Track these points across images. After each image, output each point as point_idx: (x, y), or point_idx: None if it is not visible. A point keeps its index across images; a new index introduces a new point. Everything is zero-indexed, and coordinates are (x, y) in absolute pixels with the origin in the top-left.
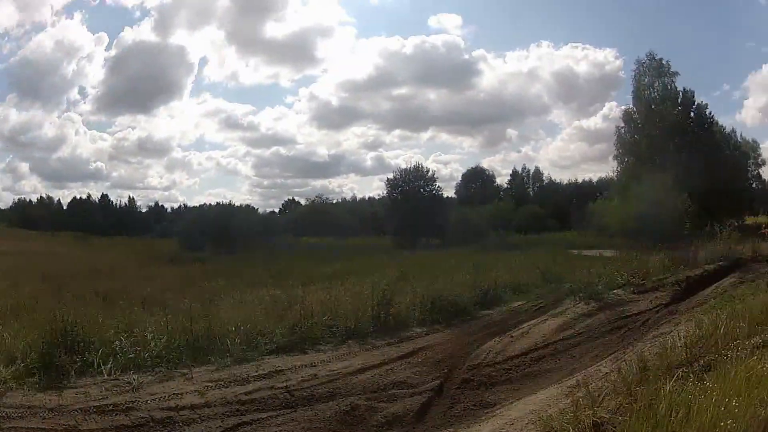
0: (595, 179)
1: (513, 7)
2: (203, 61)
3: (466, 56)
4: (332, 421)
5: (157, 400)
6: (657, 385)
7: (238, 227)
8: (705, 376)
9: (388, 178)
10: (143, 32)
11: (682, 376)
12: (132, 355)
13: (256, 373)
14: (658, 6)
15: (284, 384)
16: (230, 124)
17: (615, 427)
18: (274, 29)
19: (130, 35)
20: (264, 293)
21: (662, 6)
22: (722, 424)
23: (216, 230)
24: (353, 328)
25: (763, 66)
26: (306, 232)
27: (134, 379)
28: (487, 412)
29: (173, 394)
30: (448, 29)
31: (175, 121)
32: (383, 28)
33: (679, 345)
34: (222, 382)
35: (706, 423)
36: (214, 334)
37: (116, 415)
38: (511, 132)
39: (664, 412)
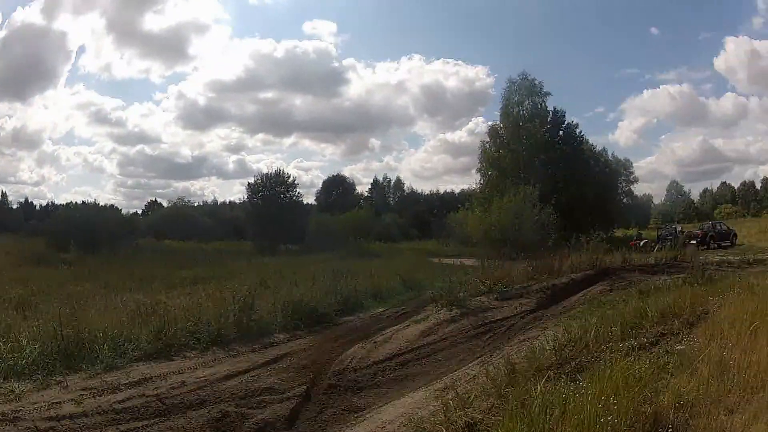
0: (457, 191)
1: (389, 19)
2: (81, 50)
3: (336, 64)
4: (205, 428)
5: (39, 409)
6: (527, 386)
7: (103, 228)
8: (578, 376)
9: (249, 183)
10: (32, 14)
11: (553, 377)
12: (11, 361)
13: (127, 381)
14: (543, 31)
15: (155, 392)
16: (99, 118)
17: (489, 427)
18: (152, 21)
19: (20, 16)
20: (128, 298)
21: (548, 31)
22: (602, 420)
23: (82, 231)
24: (217, 335)
25: (644, 91)
26: (168, 234)
27: (16, 387)
28: (357, 417)
29: (53, 403)
30: (322, 35)
31: (48, 111)
32: (258, 29)
33: (547, 348)
34: (95, 390)
35: (585, 420)
36: (83, 340)
37: (6, 425)
38: (374, 141)
39: (539, 411)
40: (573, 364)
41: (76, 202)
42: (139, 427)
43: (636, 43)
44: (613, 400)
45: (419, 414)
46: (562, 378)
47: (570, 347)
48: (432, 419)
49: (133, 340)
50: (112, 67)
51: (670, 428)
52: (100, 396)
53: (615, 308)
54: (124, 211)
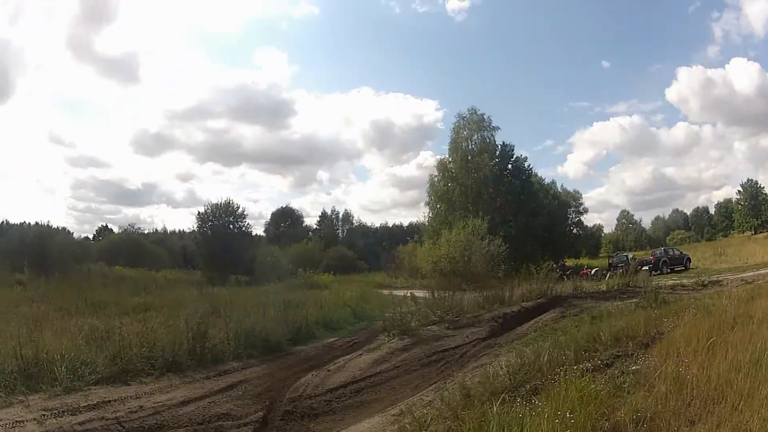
0: (405, 224)
1: (340, 51)
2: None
3: (286, 95)
4: None
5: (5, 427)
6: (483, 408)
7: (56, 250)
8: (533, 398)
9: (199, 212)
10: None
11: (507, 399)
12: None
13: (86, 403)
14: (493, 66)
15: (114, 415)
16: (53, 138)
17: None
18: (105, 41)
19: None
20: (83, 322)
21: (498, 67)
22: None
23: (35, 252)
24: (171, 361)
25: (594, 124)
26: (118, 260)
27: None
28: None
29: (16, 422)
30: (272, 65)
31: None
32: (210, 56)
33: (501, 373)
34: (56, 411)
35: None
36: (41, 360)
37: None
38: (322, 174)
39: (496, 430)
40: (528, 386)
41: (29, 223)
42: None
43: (587, 77)
44: (570, 415)
45: None
46: (518, 400)
47: (524, 371)
48: None
49: (89, 363)
50: (68, 87)
51: None
52: (61, 417)
53: (568, 334)
54: (75, 235)
